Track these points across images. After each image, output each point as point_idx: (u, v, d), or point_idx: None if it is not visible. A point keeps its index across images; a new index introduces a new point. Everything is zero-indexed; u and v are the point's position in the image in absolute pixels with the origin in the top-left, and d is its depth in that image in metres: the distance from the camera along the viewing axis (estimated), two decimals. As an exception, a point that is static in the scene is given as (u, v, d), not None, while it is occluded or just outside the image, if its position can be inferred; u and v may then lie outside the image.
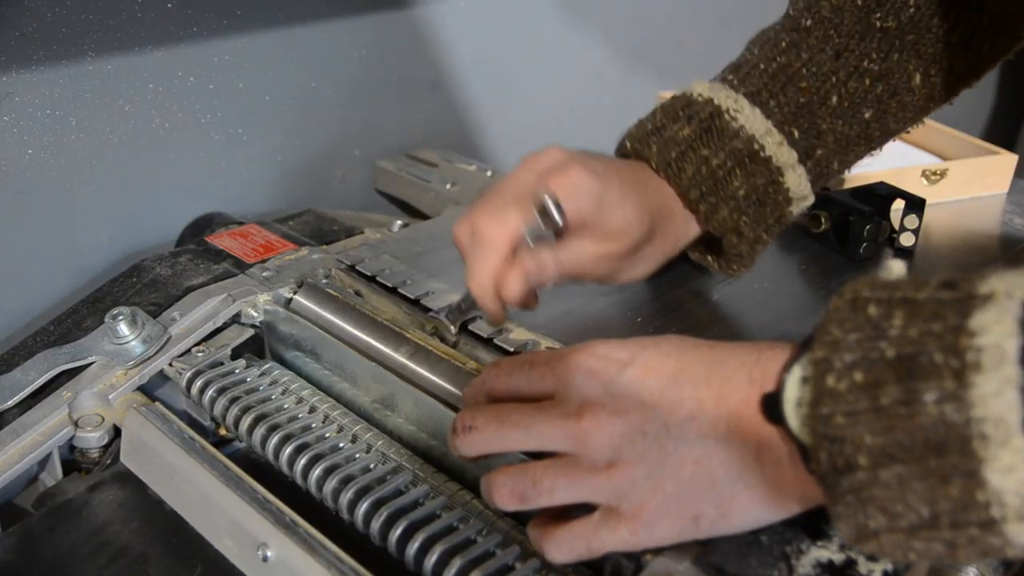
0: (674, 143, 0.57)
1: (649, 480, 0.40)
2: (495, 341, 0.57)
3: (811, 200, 0.60)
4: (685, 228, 0.59)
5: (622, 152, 0.60)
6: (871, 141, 0.61)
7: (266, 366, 0.61)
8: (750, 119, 0.57)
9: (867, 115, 0.59)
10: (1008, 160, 0.85)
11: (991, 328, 0.31)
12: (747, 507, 0.39)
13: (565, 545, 0.42)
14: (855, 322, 0.34)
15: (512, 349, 0.56)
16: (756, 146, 0.56)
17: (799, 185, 0.58)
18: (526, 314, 0.60)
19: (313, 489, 0.51)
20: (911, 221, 0.72)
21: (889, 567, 0.41)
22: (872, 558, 0.41)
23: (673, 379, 0.41)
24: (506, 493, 0.43)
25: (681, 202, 0.58)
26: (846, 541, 0.38)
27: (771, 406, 0.37)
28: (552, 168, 0.52)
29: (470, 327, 0.59)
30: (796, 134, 0.57)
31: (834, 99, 0.58)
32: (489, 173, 0.92)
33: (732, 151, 0.56)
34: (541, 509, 0.43)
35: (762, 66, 0.58)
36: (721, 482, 0.39)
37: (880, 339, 0.33)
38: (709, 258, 0.63)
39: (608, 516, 0.41)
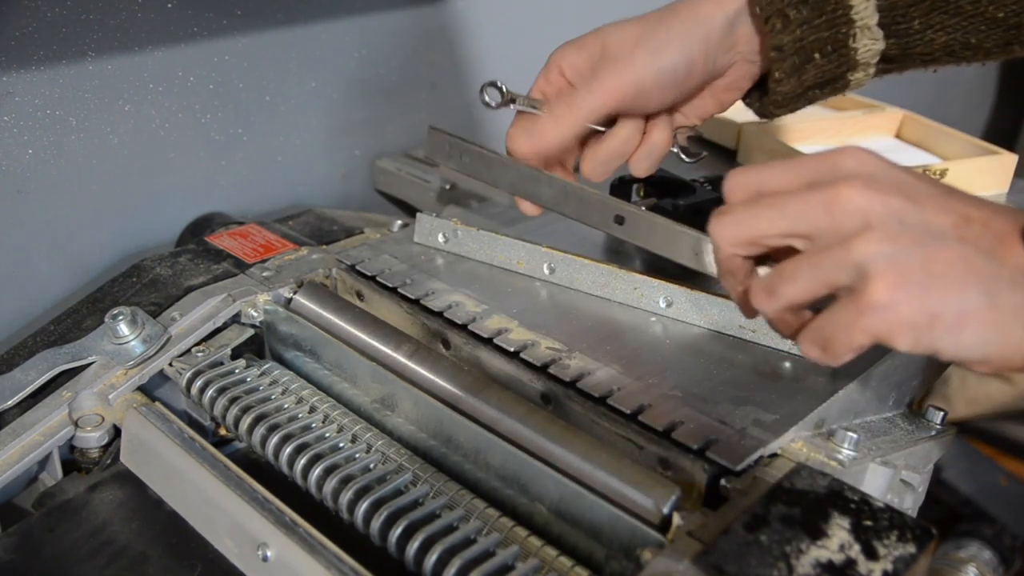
0: None
1: (894, 261, 0.40)
2: (495, 341, 0.57)
3: (879, 42, 0.59)
4: (727, 50, 0.60)
5: None
6: (961, 14, 0.59)
7: (266, 366, 0.61)
8: None
9: None
10: (1008, 160, 0.85)
11: None
12: (985, 327, 0.40)
13: (807, 336, 0.44)
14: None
15: (512, 349, 0.56)
16: None
17: (866, 10, 0.57)
18: (526, 315, 0.61)
19: (313, 489, 0.51)
20: (911, 221, 0.71)
21: (889, 567, 0.41)
22: (872, 557, 0.41)
23: (946, 190, 0.43)
24: (759, 291, 0.44)
25: (752, 20, 0.59)
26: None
27: None
28: None
29: (470, 327, 0.59)
30: None
31: None
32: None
33: None
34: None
35: None
36: (972, 291, 0.40)
37: None
38: (756, 102, 0.65)
39: (847, 299, 0.41)
